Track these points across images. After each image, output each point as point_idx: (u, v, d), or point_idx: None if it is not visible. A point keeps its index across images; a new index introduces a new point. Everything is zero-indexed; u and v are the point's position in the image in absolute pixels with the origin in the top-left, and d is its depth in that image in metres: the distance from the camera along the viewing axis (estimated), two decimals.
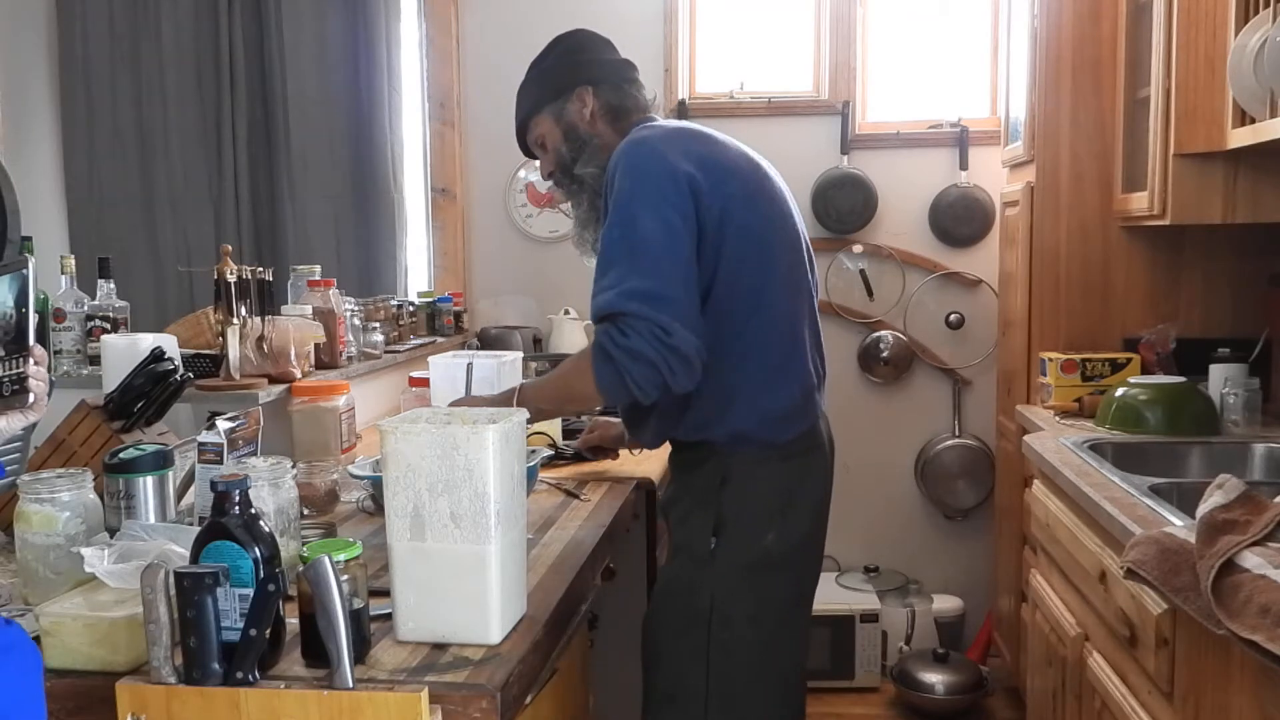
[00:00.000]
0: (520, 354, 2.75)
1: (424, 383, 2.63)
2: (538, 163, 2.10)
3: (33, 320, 1.38)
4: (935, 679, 3.29)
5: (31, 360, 1.36)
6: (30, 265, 1.39)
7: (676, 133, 1.90)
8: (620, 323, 1.71)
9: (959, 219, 3.62)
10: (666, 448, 2.04)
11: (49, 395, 1.41)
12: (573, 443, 2.45)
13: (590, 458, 2.40)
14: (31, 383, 1.35)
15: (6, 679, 0.97)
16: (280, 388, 2.33)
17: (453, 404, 2.04)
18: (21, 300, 1.38)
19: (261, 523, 1.26)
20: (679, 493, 1.96)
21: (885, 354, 3.67)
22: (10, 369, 1.37)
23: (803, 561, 1.92)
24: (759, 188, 1.88)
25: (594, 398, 1.82)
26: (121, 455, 1.59)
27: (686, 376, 1.74)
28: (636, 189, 1.77)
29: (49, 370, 1.44)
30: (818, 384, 1.92)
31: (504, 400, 1.90)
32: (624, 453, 2.41)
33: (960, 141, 3.60)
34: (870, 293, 3.67)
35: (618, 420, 2.28)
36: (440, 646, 1.30)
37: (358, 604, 1.26)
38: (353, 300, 2.94)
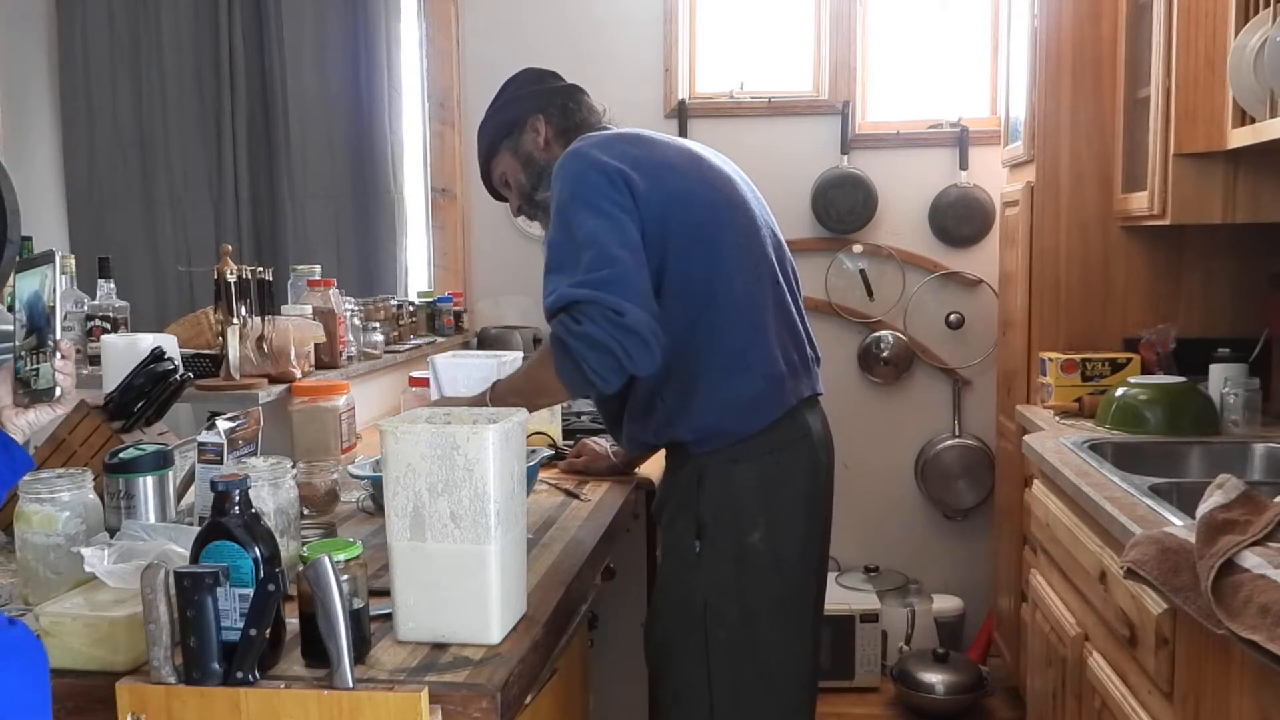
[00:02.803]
0: (520, 354, 2.74)
1: (424, 383, 2.63)
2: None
3: (59, 314, 1.38)
4: (935, 679, 3.29)
5: (59, 354, 1.36)
6: (58, 259, 1.39)
7: (611, 138, 1.91)
8: (574, 311, 1.72)
9: (959, 219, 3.62)
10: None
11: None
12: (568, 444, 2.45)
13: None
14: (58, 376, 1.36)
15: (11, 682, 0.96)
16: (280, 388, 2.33)
17: (433, 404, 2.05)
18: (52, 295, 1.38)
19: (262, 523, 1.26)
20: (665, 496, 1.97)
21: (885, 354, 3.67)
22: (37, 362, 1.37)
23: (798, 561, 1.91)
24: (700, 179, 1.89)
25: (560, 390, 1.82)
26: (121, 455, 1.59)
27: (644, 357, 1.72)
28: (573, 192, 1.79)
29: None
30: (793, 372, 1.89)
31: (479, 400, 1.90)
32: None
33: (960, 141, 3.60)
34: (870, 293, 3.67)
35: (605, 447, 2.30)
36: (440, 646, 1.30)
37: (358, 604, 1.26)
38: (353, 300, 2.95)
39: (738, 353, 1.83)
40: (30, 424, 1.38)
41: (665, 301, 1.80)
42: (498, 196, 2.14)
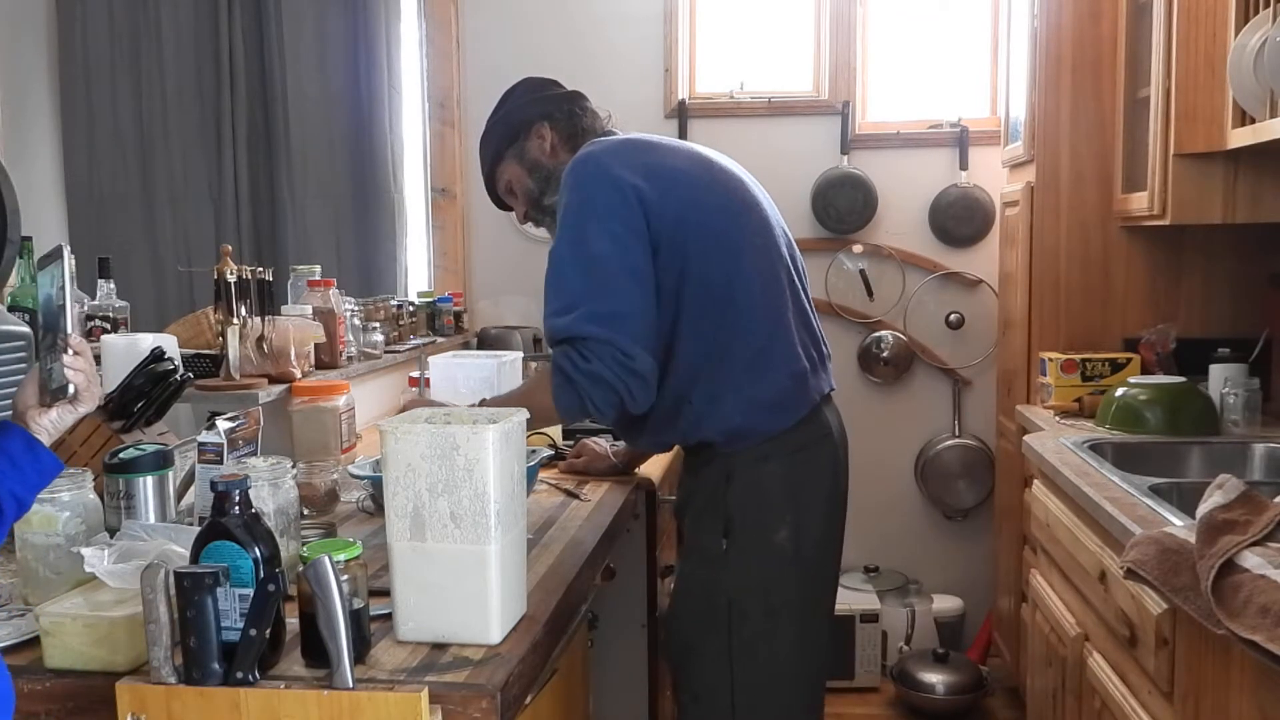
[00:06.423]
0: (520, 354, 2.75)
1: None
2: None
3: (70, 312, 1.38)
4: (935, 679, 3.29)
5: (71, 351, 1.36)
6: (65, 255, 1.38)
7: (621, 145, 1.92)
8: (581, 346, 1.73)
9: (959, 219, 3.62)
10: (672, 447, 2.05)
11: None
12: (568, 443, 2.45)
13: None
14: (70, 374, 1.35)
15: None
16: (280, 388, 2.32)
17: (408, 403, 2.05)
18: (60, 293, 1.37)
19: (261, 523, 1.26)
20: (689, 494, 1.97)
21: (885, 354, 3.67)
22: (50, 362, 1.37)
23: (819, 559, 1.92)
24: (713, 183, 1.90)
25: (553, 416, 1.85)
26: (121, 455, 1.59)
27: (644, 398, 1.77)
28: (584, 205, 1.80)
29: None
30: (813, 369, 1.91)
31: None
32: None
33: (960, 141, 3.60)
34: (870, 293, 3.67)
35: (604, 447, 2.30)
36: (440, 646, 1.30)
37: (358, 604, 1.26)
38: (353, 300, 2.94)
39: (762, 352, 1.84)
40: (53, 424, 1.36)
41: (687, 306, 1.81)
42: (502, 206, 2.14)
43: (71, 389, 1.35)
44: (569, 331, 1.75)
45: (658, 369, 1.78)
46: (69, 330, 1.36)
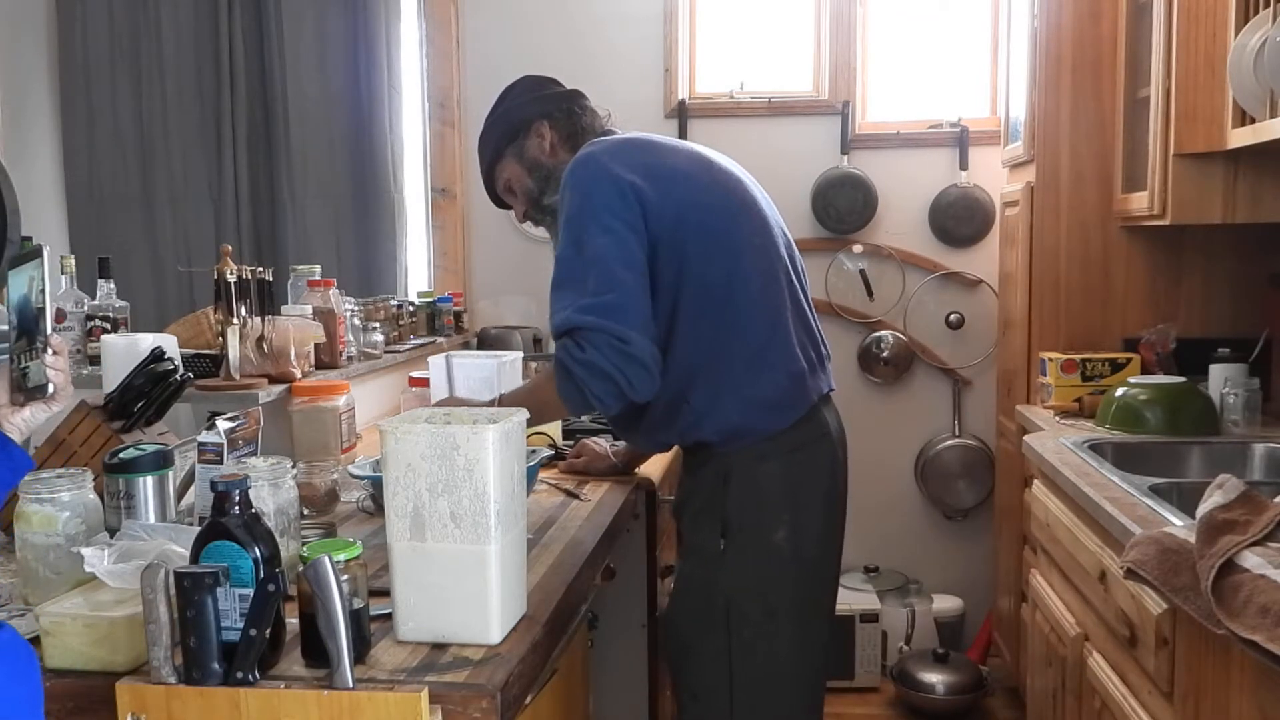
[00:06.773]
0: (520, 354, 2.75)
1: (424, 383, 2.63)
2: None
3: (50, 311, 1.38)
4: (935, 679, 3.29)
5: (50, 350, 1.36)
6: (45, 254, 1.38)
7: (621, 145, 1.92)
8: (578, 337, 1.74)
9: (959, 219, 3.62)
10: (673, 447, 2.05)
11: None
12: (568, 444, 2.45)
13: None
14: (50, 373, 1.35)
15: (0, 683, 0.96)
16: (280, 388, 2.32)
17: (439, 403, 2.06)
18: (40, 295, 1.37)
19: (261, 523, 1.26)
20: (687, 494, 1.97)
21: (885, 354, 3.67)
22: (27, 361, 1.37)
23: (819, 558, 1.92)
24: (712, 183, 1.90)
25: (562, 410, 1.88)
26: (121, 455, 1.58)
27: (645, 385, 1.76)
28: (583, 204, 1.80)
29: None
30: (811, 369, 1.91)
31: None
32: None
33: (960, 141, 3.60)
34: (870, 293, 3.67)
35: (604, 447, 2.30)
36: (440, 646, 1.30)
37: (358, 604, 1.26)
38: (353, 300, 2.94)
39: (760, 352, 1.84)
40: (26, 422, 1.37)
41: (686, 305, 1.81)
42: (501, 204, 2.14)
43: (51, 388, 1.36)
44: (567, 324, 1.76)
45: (660, 355, 1.77)
46: (48, 330, 1.36)
